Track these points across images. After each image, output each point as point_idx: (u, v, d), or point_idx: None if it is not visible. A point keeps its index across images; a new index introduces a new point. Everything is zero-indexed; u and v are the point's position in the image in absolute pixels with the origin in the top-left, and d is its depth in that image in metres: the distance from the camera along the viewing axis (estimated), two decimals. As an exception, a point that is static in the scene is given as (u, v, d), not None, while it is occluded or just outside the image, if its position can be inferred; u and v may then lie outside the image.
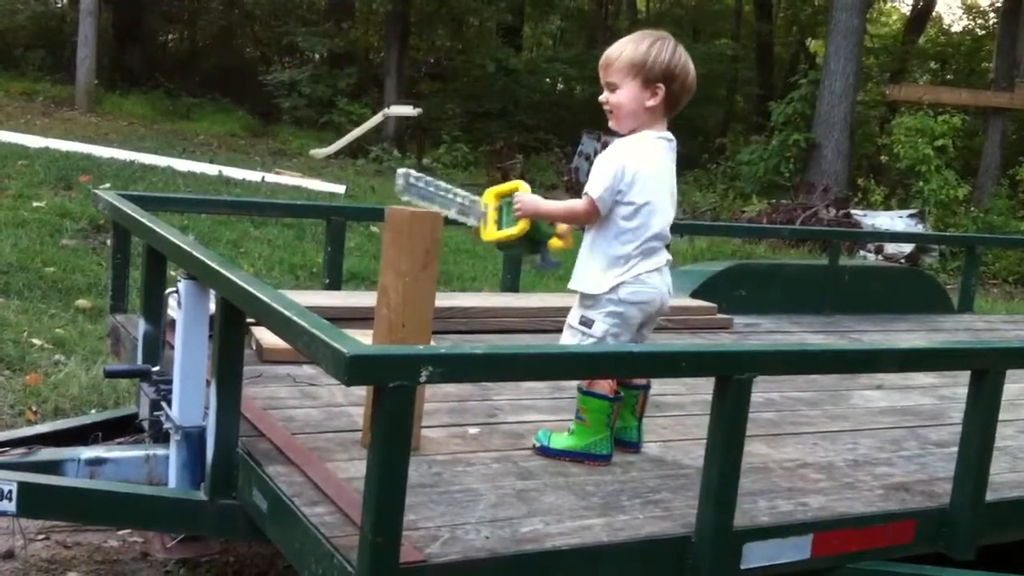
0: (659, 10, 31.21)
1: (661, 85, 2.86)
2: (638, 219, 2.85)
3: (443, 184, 3.05)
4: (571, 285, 2.95)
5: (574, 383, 3.31)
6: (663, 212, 2.90)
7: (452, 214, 3.02)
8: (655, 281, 2.90)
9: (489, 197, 3.03)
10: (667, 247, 2.97)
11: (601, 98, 2.97)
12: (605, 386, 2.87)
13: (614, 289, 2.86)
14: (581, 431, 2.86)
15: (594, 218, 2.89)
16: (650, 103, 2.87)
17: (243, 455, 2.64)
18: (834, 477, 2.94)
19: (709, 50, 25.97)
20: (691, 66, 2.92)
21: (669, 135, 2.95)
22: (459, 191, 3.05)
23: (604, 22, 28.81)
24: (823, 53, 19.16)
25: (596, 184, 2.85)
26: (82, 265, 7.17)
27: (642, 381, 3.01)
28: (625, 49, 2.89)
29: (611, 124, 2.97)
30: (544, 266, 3.08)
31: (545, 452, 2.87)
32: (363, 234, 9.42)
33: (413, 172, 3.03)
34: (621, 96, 2.90)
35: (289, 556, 2.39)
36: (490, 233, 3.01)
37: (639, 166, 2.84)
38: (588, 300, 2.91)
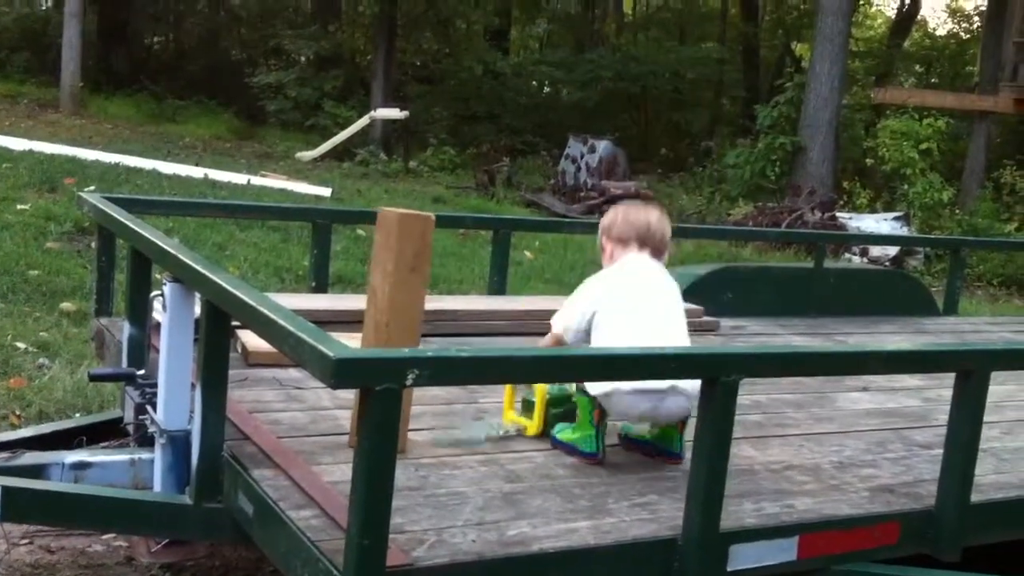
0: (646, 13, 31.27)
1: (605, 241, 3.18)
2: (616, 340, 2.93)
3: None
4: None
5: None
6: (645, 328, 2.92)
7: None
8: (642, 408, 2.88)
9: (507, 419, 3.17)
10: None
11: None
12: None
13: (604, 398, 2.89)
14: (576, 426, 2.96)
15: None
16: (604, 256, 3.19)
17: (229, 459, 2.63)
18: (820, 479, 2.94)
19: (695, 53, 26.06)
20: (630, 213, 3.18)
21: (632, 256, 3.11)
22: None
23: (591, 25, 28.89)
24: (809, 56, 19.23)
25: (562, 316, 3.10)
26: (67, 268, 7.14)
27: None
28: None
29: None
30: None
31: (551, 439, 3.01)
32: (349, 237, 9.40)
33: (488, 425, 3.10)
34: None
35: (275, 560, 2.38)
36: (534, 428, 3.11)
37: (604, 294, 3.01)
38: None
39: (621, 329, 2.92)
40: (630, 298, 2.98)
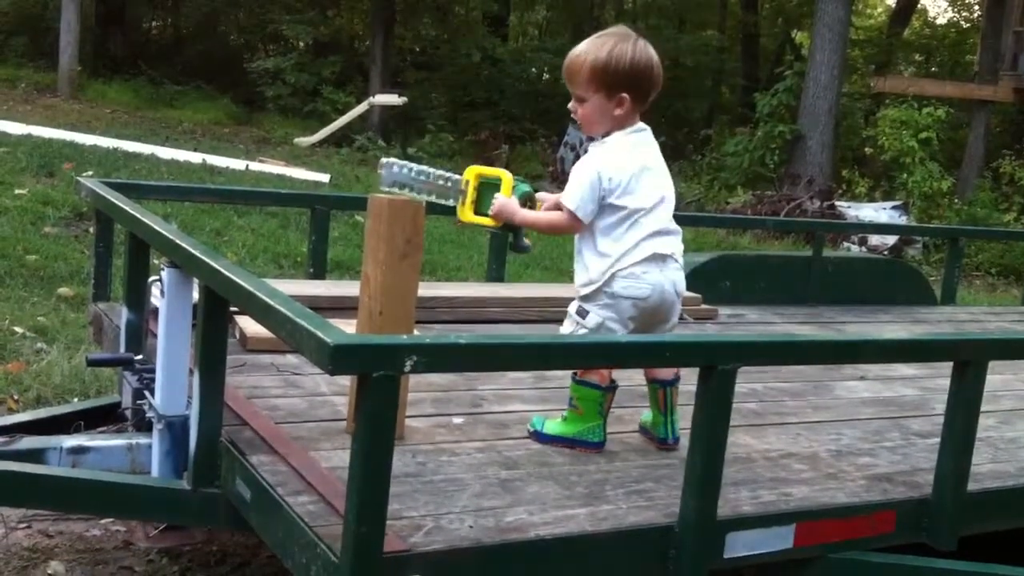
0: (646, 0, 31.16)
1: (625, 94, 2.82)
2: (627, 223, 2.82)
3: (424, 168, 3.02)
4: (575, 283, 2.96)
5: (558, 373, 3.31)
6: (653, 208, 2.85)
7: (433, 198, 2.98)
8: (653, 276, 2.84)
9: (471, 175, 2.97)
10: (674, 237, 2.91)
11: (570, 106, 2.94)
12: (596, 375, 2.88)
13: (608, 282, 2.84)
14: (574, 418, 2.89)
15: (578, 229, 2.86)
16: (618, 112, 2.84)
17: (226, 444, 2.63)
18: (817, 467, 2.95)
19: (695, 41, 25.98)
20: (654, 59, 2.83)
21: (641, 126, 2.90)
22: (439, 172, 3.01)
23: (590, 12, 28.78)
24: (808, 44, 19.19)
25: (574, 196, 2.81)
26: (64, 253, 7.14)
27: (666, 376, 2.97)
28: (587, 58, 2.82)
29: (583, 131, 2.94)
30: (519, 248, 3.03)
31: (539, 437, 2.90)
32: (347, 223, 9.40)
33: (396, 160, 3.02)
34: (588, 109, 2.87)
35: (272, 546, 2.38)
36: (467, 214, 2.96)
37: (616, 170, 2.81)
38: (585, 291, 2.90)
39: (628, 216, 2.80)
40: (640, 188, 2.82)
